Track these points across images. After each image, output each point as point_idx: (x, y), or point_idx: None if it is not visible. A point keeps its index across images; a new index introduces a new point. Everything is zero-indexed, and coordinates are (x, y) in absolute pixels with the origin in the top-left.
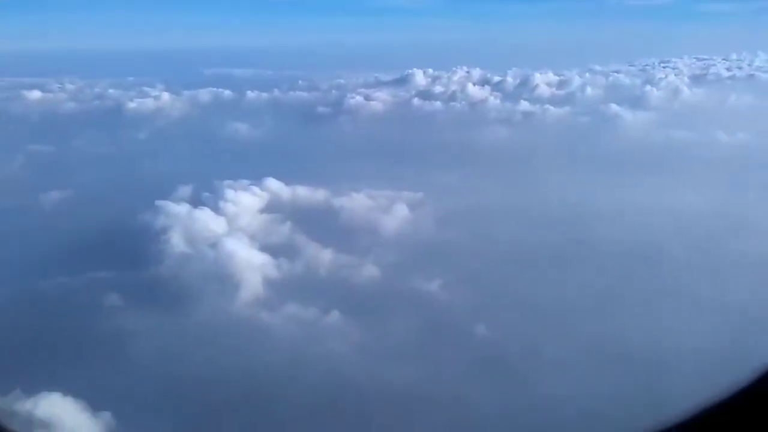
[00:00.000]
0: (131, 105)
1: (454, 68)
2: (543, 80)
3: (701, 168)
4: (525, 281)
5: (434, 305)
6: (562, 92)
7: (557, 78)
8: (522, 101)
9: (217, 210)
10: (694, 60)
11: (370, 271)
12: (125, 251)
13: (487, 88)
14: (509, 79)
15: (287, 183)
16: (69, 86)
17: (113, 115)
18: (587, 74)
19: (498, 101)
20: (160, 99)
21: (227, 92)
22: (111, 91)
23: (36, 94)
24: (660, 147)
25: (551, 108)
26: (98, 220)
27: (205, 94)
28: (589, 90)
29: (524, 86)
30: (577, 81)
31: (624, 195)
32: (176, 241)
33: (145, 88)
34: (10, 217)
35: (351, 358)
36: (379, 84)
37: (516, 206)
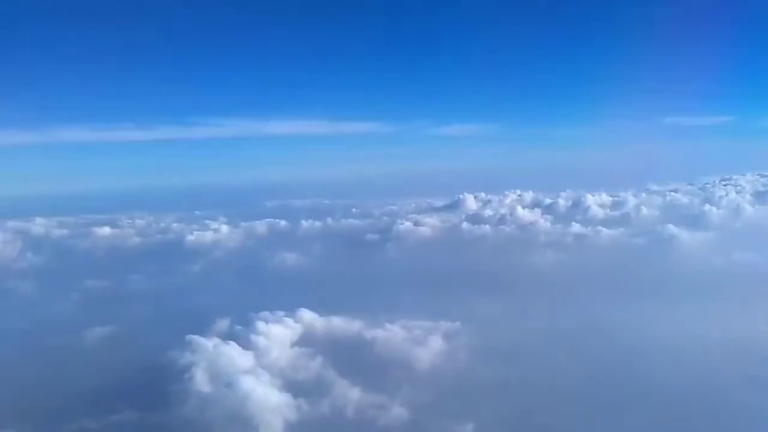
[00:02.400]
0: (191, 238)
1: (506, 192)
2: (596, 201)
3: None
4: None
5: None
6: (616, 213)
7: (611, 199)
8: (573, 223)
9: (246, 344)
10: (757, 176)
11: (398, 412)
12: (150, 391)
13: (538, 210)
14: (561, 201)
15: (322, 314)
16: (138, 221)
17: (173, 248)
18: (643, 194)
19: (548, 224)
20: (219, 231)
21: (283, 222)
22: (175, 225)
23: (105, 230)
24: (721, 270)
25: (604, 230)
26: (131, 357)
27: (261, 225)
28: (644, 210)
29: (576, 208)
30: (631, 201)
31: (683, 324)
32: (199, 380)
33: (208, 221)
34: (53, 356)
35: None
36: (430, 209)
37: (561, 338)
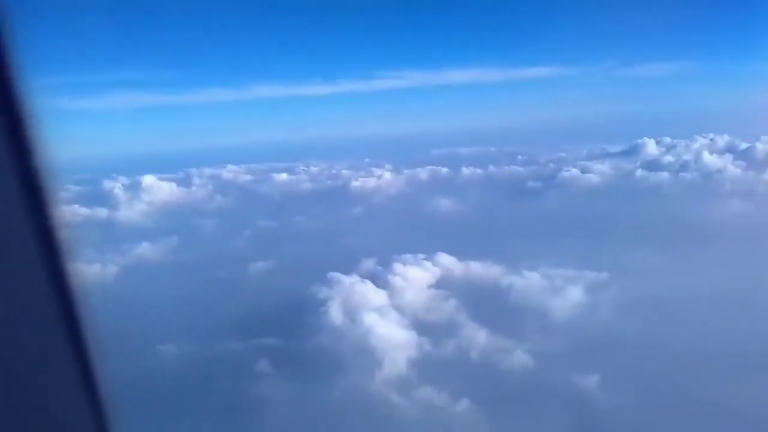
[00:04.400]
0: (355, 183)
1: (695, 136)
2: None
3: None
4: (708, 394)
5: (582, 405)
6: None
7: None
8: None
9: (383, 284)
10: None
11: (521, 359)
12: (292, 320)
13: (729, 156)
14: (759, 145)
15: (463, 259)
16: (313, 169)
17: (339, 193)
18: None
19: (739, 171)
20: (382, 177)
21: (445, 170)
22: (344, 171)
23: (283, 177)
24: None
25: None
26: (282, 289)
27: (423, 173)
28: None
29: None
30: None
31: None
32: (333, 314)
33: (374, 168)
34: (220, 285)
35: None
36: (603, 155)
37: (721, 298)
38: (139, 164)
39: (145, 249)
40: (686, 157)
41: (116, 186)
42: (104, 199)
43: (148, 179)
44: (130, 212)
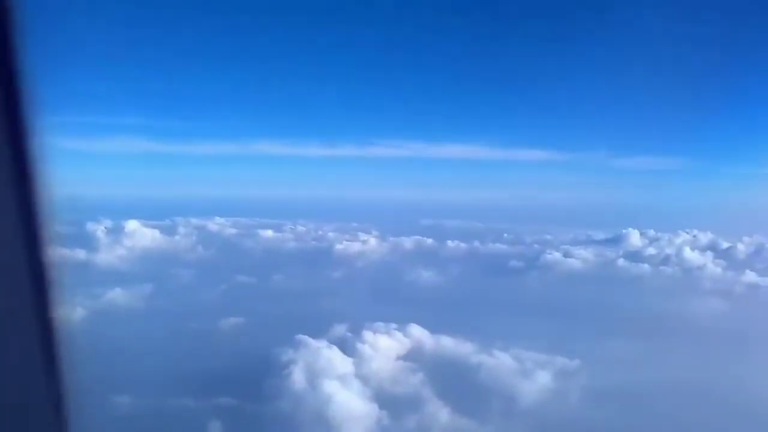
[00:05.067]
0: (339, 247)
1: (680, 231)
2: None
3: None
4: None
5: None
6: None
7: None
8: (748, 271)
9: (351, 351)
10: None
11: None
12: (252, 382)
13: (710, 254)
14: (741, 246)
15: (434, 332)
16: (300, 228)
17: (322, 255)
18: None
19: (719, 270)
20: (367, 243)
21: (430, 241)
22: (330, 234)
23: (269, 233)
24: None
25: None
26: (251, 348)
27: (408, 242)
28: None
29: (758, 255)
30: None
31: None
32: (296, 378)
33: (361, 233)
34: (187, 337)
35: None
36: (588, 242)
37: (691, 394)
38: (128, 209)
39: (117, 294)
40: (668, 250)
41: (99, 229)
42: (85, 241)
43: (132, 224)
44: (109, 256)
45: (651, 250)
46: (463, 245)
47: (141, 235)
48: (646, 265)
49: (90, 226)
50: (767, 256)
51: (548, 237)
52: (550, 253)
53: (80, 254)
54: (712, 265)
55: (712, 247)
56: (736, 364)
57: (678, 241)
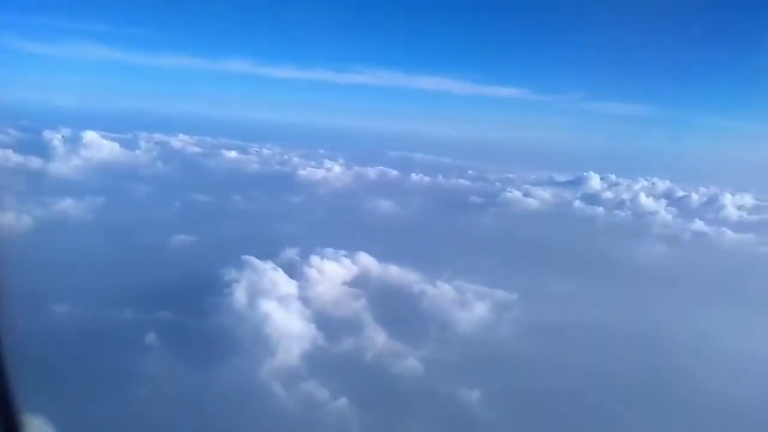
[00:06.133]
0: (303, 172)
1: (640, 177)
2: (734, 202)
3: None
4: (584, 419)
5: (459, 417)
6: (754, 218)
7: (756, 202)
8: (697, 220)
9: (297, 275)
10: None
11: (413, 365)
12: (194, 299)
13: (663, 201)
14: (695, 195)
15: (382, 261)
16: (266, 151)
17: (284, 179)
18: None
19: (670, 216)
20: (331, 170)
21: (394, 172)
22: (296, 159)
23: (232, 154)
24: None
25: (729, 232)
26: (197, 266)
27: (373, 172)
28: None
29: (710, 206)
30: None
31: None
32: (237, 297)
33: (326, 160)
34: (134, 252)
35: None
36: (549, 183)
37: (621, 330)
38: (89, 120)
39: (67, 205)
40: (625, 195)
41: (56, 137)
42: (41, 149)
43: (90, 135)
44: (64, 166)
45: (608, 194)
46: (426, 179)
47: (99, 146)
48: (600, 208)
49: (47, 134)
50: (718, 207)
51: (512, 176)
52: (510, 192)
53: (34, 162)
54: (663, 212)
55: (667, 195)
56: (669, 306)
57: (636, 187)
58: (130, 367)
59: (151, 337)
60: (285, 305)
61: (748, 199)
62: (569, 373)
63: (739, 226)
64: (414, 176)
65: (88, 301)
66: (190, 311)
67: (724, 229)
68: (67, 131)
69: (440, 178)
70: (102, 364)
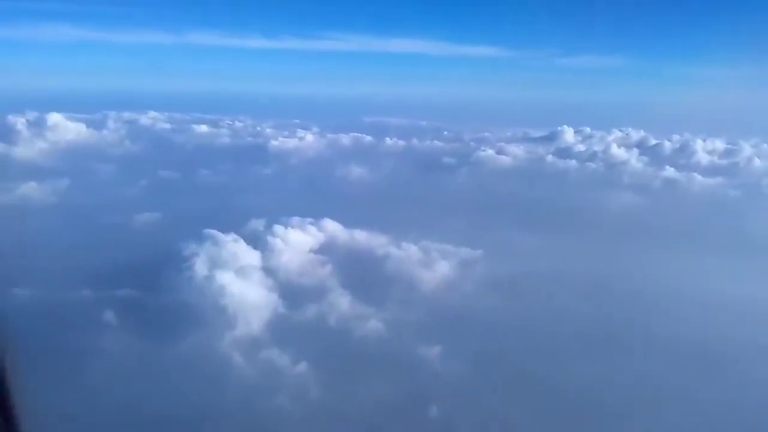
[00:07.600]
0: (275, 143)
1: (613, 129)
2: (705, 147)
3: None
4: (543, 370)
5: (418, 374)
6: (723, 162)
7: (725, 146)
8: (668, 167)
9: (261, 245)
10: None
11: (375, 326)
12: (154, 274)
13: (635, 150)
14: (667, 143)
15: (348, 226)
16: (238, 124)
17: (256, 151)
18: (766, 145)
19: (641, 165)
20: (304, 139)
21: (368, 138)
22: (269, 130)
23: (203, 129)
24: None
25: (698, 177)
26: (159, 243)
27: (347, 139)
28: (757, 162)
29: (682, 152)
30: (747, 151)
31: (743, 286)
32: (197, 270)
33: (300, 130)
34: (96, 233)
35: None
36: (524, 139)
37: (589, 283)
38: (56, 101)
39: (30, 188)
40: (597, 147)
41: (20, 121)
42: (4, 133)
43: (55, 117)
44: (28, 150)
45: (581, 147)
46: (401, 143)
47: (65, 128)
48: (573, 161)
49: (11, 118)
50: (689, 153)
51: (487, 134)
52: (483, 150)
53: None
54: (634, 161)
55: (640, 145)
56: (636, 254)
57: (610, 138)
58: (87, 346)
59: (109, 315)
60: (245, 276)
61: (719, 144)
62: (530, 326)
63: (708, 171)
64: (388, 141)
65: (48, 284)
66: (149, 287)
67: (695, 174)
68: (32, 115)
69: (415, 141)
70: (60, 345)
